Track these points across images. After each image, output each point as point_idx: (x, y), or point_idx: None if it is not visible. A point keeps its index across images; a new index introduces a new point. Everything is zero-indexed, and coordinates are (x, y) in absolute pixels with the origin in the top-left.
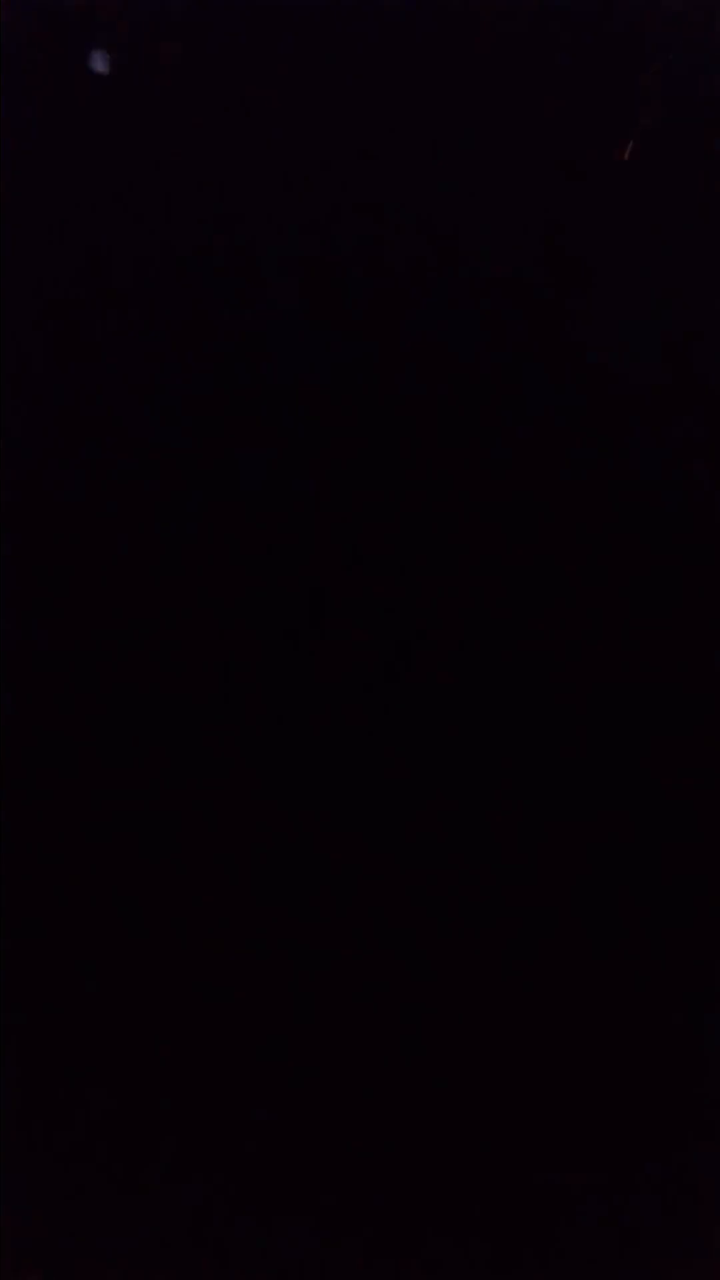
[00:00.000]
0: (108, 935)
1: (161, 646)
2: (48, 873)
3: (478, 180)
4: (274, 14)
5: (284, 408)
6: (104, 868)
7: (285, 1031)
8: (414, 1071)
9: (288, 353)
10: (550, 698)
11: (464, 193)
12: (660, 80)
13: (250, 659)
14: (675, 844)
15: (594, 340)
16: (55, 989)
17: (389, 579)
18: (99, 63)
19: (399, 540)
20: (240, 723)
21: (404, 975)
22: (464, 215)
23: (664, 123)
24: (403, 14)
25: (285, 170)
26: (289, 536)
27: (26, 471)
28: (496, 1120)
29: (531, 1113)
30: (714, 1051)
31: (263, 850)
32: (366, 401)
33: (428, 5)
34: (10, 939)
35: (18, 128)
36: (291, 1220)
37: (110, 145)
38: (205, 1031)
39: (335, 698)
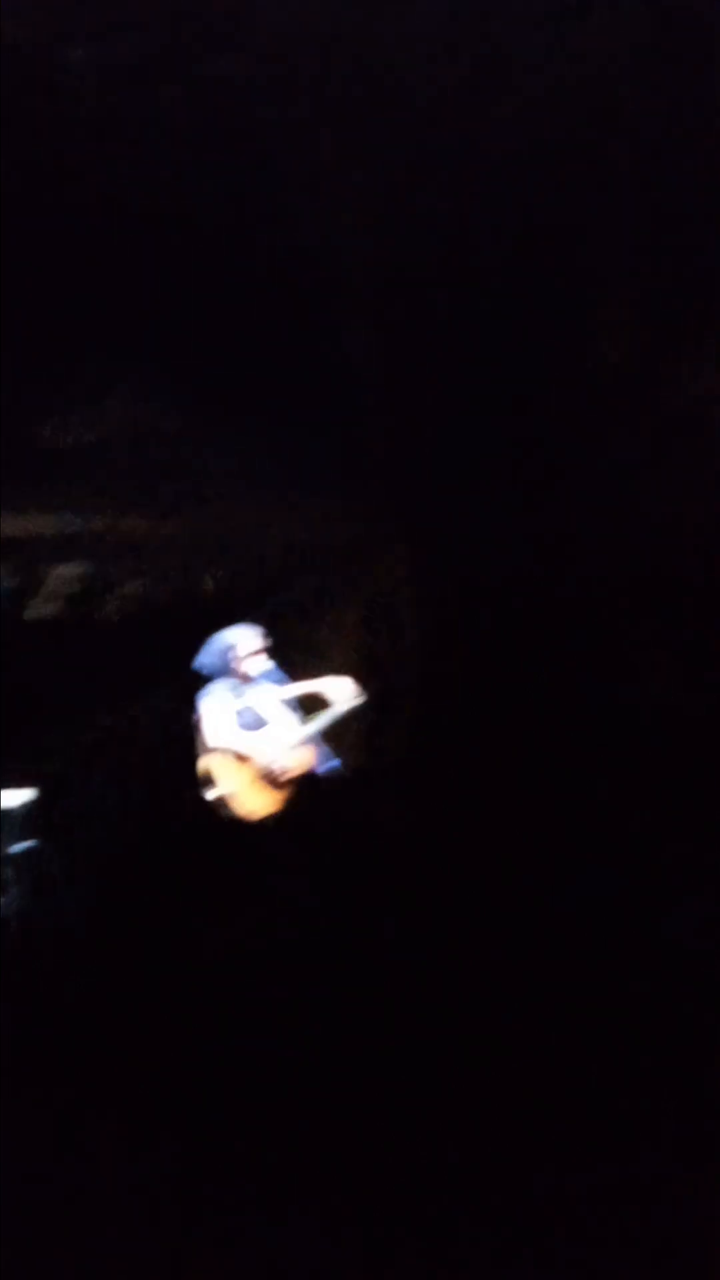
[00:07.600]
0: (109, 936)
1: None
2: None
3: None
4: None
5: None
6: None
7: (286, 1034)
8: (414, 1075)
9: None
10: None
11: None
12: None
13: None
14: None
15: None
16: (58, 998)
17: None
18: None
19: None
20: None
21: (405, 981)
22: None
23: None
24: None
25: None
26: None
27: None
28: (497, 1122)
29: (531, 1115)
30: (713, 1054)
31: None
32: None
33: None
34: (12, 941)
35: None
36: (291, 1220)
37: None
38: (206, 1033)
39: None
